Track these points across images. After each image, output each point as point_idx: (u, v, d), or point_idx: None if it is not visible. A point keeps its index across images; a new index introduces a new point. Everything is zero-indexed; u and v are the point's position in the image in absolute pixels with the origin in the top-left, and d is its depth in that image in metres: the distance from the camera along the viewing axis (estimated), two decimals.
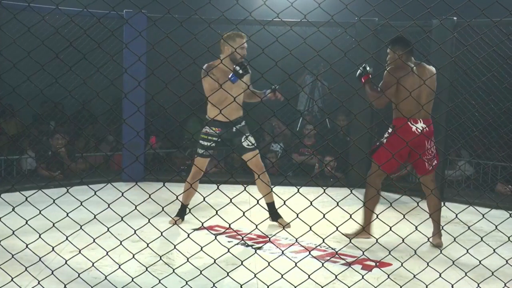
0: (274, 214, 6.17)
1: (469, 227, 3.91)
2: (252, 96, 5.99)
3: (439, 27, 7.49)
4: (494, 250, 3.82)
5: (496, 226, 3.81)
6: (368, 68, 5.44)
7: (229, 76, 5.48)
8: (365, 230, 5.36)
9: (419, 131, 5.27)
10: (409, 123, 5.25)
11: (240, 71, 5.46)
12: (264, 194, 5.89)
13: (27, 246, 3.56)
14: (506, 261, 3.78)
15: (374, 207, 5.33)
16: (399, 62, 5.29)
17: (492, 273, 3.80)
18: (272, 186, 6.11)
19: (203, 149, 6.01)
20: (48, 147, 8.61)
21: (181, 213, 6.12)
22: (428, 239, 4.71)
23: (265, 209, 5.98)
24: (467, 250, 3.82)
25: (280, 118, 9.66)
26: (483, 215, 3.78)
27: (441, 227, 5.05)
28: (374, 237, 4.12)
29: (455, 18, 7.63)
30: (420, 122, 5.31)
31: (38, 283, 3.50)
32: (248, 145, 6.04)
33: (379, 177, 5.45)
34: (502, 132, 7.41)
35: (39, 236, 3.48)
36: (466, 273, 3.82)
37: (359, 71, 5.47)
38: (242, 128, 6.05)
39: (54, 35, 3.60)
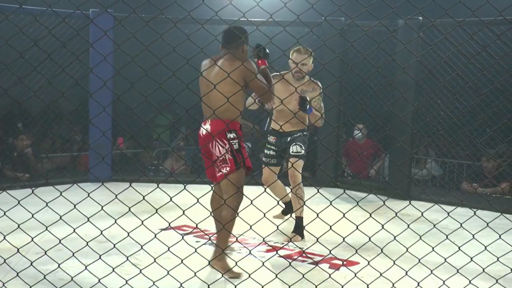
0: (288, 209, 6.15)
1: (434, 225, 3.95)
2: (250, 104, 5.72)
3: (404, 26, 7.56)
4: (459, 247, 3.86)
5: (461, 224, 3.85)
6: (267, 51, 4.82)
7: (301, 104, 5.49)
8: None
9: (202, 134, 4.62)
10: (202, 124, 4.69)
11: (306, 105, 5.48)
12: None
13: None
14: (471, 259, 3.82)
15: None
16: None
17: (457, 270, 3.84)
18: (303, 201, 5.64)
19: (264, 158, 6.11)
20: (14, 148, 8.51)
21: (286, 210, 6.16)
22: (210, 261, 4.48)
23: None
24: (433, 248, 3.86)
25: (247, 117, 9.66)
26: (448, 213, 3.81)
27: (225, 248, 4.59)
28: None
29: (420, 18, 7.70)
30: (207, 123, 4.60)
31: (3, 285, 3.46)
32: (292, 151, 5.77)
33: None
34: (467, 131, 7.50)
35: (4, 238, 3.44)
36: (432, 271, 3.86)
37: (260, 49, 4.80)
38: (297, 138, 5.84)
39: (18, 35, 3.56)
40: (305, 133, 5.87)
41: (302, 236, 5.60)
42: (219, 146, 4.51)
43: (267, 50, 4.80)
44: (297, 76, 5.80)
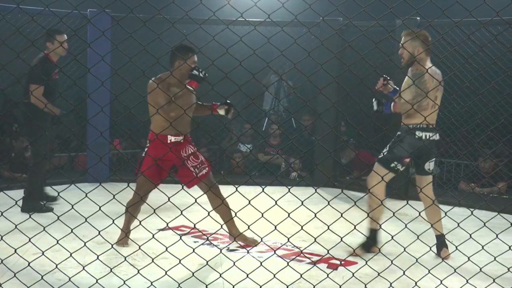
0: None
1: (432, 225, 3.95)
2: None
3: (402, 27, 7.56)
4: (456, 247, 3.87)
5: (458, 224, 3.85)
6: (199, 75, 4.85)
7: None
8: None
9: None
10: None
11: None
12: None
13: None
14: (468, 258, 3.83)
15: None
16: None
17: (455, 270, 3.84)
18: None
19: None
20: (11, 149, 8.49)
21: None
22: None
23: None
24: (430, 248, 3.87)
25: (245, 118, 9.67)
26: (445, 213, 3.82)
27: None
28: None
29: (418, 18, 7.71)
30: None
31: (1, 285, 3.45)
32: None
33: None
34: (464, 130, 7.51)
35: (1, 238, 3.44)
36: (429, 271, 3.86)
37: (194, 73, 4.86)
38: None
39: (15, 35, 3.56)
40: (399, 133, 5.29)
41: (367, 250, 4.94)
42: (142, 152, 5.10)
43: (201, 74, 4.82)
44: (402, 62, 5.37)
